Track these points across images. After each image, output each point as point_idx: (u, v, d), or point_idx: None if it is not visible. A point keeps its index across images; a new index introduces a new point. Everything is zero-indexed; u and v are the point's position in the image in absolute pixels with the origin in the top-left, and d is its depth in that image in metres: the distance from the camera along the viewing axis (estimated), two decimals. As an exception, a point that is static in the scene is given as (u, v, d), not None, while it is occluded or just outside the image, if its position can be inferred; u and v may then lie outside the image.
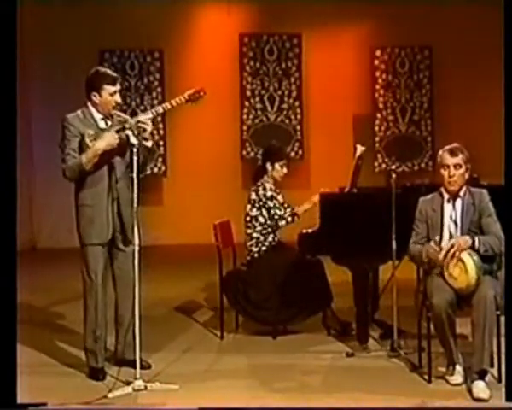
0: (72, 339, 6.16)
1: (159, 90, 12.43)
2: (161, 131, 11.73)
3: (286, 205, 6.45)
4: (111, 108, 5.26)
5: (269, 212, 6.39)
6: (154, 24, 11.97)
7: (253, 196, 6.45)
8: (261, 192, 6.42)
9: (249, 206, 6.46)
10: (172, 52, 12.38)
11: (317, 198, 6.12)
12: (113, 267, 5.41)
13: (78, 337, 5.81)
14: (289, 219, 6.39)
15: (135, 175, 5.04)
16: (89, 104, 5.28)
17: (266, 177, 6.50)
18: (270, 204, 6.39)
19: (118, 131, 5.16)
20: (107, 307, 5.39)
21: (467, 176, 5.15)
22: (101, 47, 12.18)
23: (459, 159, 5.09)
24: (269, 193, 6.41)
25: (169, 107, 5.32)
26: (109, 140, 5.14)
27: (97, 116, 5.27)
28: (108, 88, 5.22)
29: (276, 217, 6.38)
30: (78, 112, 5.28)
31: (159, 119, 11.13)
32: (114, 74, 5.32)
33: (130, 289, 5.20)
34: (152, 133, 5.31)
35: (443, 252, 4.95)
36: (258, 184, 6.48)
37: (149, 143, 5.31)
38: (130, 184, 5.14)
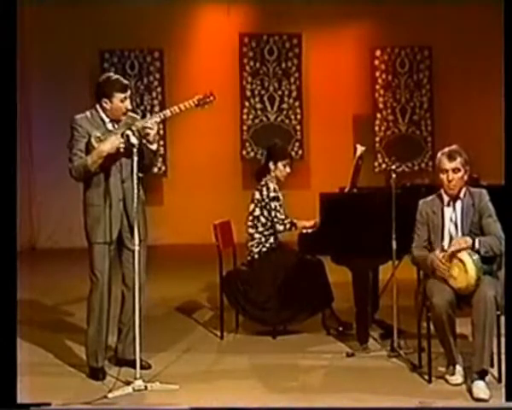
0: (72, 339, 6.16)
1: (159, 90, 12.43)
2: (161, 132, 11.72)
3: (283, 211, 6.43)
4: (121, 113, 5.31)
5: (269, 213, 6.38)
6: (154, 24, 11.97)
7: (257, 195, 6.44)
8: (265, 192, 6.40)
9: (252, 205, 6.45)
10: (172, 52, 12.38)
11: (315, 222, 6.14)
12: (122, 266, 5.44)
13: (78, 337, 5.83)
14: (288, 226, 6.36)
15: (135, 175, 5.06)
16: (98, 107, 5.32)
17: (269, 176, 6.48)
18: (272, 205, 6.37)
19: (123, 135, 5.18)
20: (111, 306, 5.40)
21: (466, 178, 5.13)
22: (101, 47, 12.18)
23: (457, 162, 5.08)
24: (272, 194, 6.39)
25: (177, 111, 5.33)
26: (113, 143, 5.17)
27: (106, 118, 5.31)
28: (119, 95, 5.27)
29: (276, 220, 6.36)
30: (87, 113, 5.33)
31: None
32: (125, 81, 5.37)
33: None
34: (159, 133, 5.32)
35: (444, 261, 4.95)
36: (263, 183, 6.46)
37: (154, 147, 5.34)
38: (136, 183, 5.15)
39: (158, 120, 5.38)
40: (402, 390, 4.93)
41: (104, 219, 5.26)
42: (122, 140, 5.17)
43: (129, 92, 5.35)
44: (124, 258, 5.41)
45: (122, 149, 5.17)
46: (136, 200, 5.08)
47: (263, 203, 6.40)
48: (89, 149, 5.18)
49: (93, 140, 5.16)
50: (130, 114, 5.41)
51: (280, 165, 6.49)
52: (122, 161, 5.28)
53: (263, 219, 6.41)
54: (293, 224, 6.37)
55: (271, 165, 6.50)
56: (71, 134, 5.27)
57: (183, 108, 5.32)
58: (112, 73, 5.62)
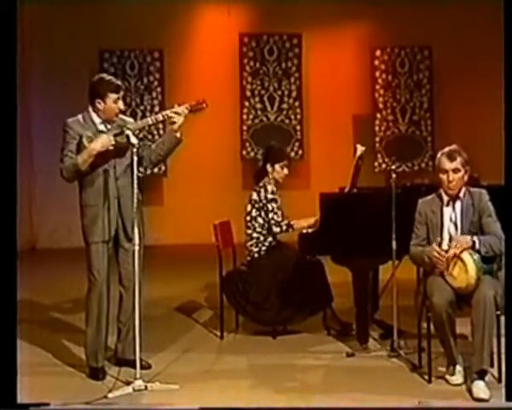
0: (72, 339, 6.16)
1: (158, 90, 12.44)
2: (161, 131, 11.73)
3: (281, 213, 6.42)
4: (114, 114, 5.33)
5: (266, 215, 6.38)
6: (154, 24, 11.98)
7: (255, 196, 6.44)
8: (262, 194, 6.40)
9: (249, 206, 6.45)
10: (172, 52, 12.39)
11: (315, 219, 6.14)
12: (119, 266, 5.45)
13: (78, 337, 5.82)
14: (284, 227, 6.35)
15: (135, 175, 5.07)
16: (90, 109, 5.34)
17: (267, 178, 6.49)
18: (269, 207, 6.37)
19: (116, 135, 5.21)
20: (109, 305, 5.40)
21: (466, 178, 5.13)
22: (101, 47, 12.19)
23: (457, 163, 5.07)
24: (270, 196, 6.39)
25: (170, 115, 5.32)
26: (104, 141, 5.19)
27: (97, 120, 5.33)
28: (112, 96, 5.30)
29: (273, 222, 6.35)
30: (79, 116, 5.35)
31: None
32: (118, 82, 5.40)
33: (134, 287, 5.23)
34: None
35: (443, 254, 4.95)
36: (261, 185, 6.46)
37: (178, 134, 5.38)
38: (134, 182, 5.16)
39: (150, 122, 5.46)
40: (402, 390, 4.93)
41: (101, 217, 5.27)
42: (112, 139, 5.19)
43: (122, 93, 5.37)
44: (120, 258, 5.42)
45: (112, 147, 5.19)
46: (135, 199, 5.09)
47: (260, 204, 6.40)
48: (80, 149, 5.20)
49: (84, 140, 5.19)
50: (121, 116, 5.43)
51: (277, 167, 6.49)
52: (115, 159, 5.29)
53: (260, 220, 6.41)
54: (289, 225, 6.36)
55: (269, 167, 6.50)
56: (63, 137, 5.30)
57: (174, 113, 5.32)
58: (105, 74, 5.64)
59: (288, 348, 6.01)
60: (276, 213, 6.37)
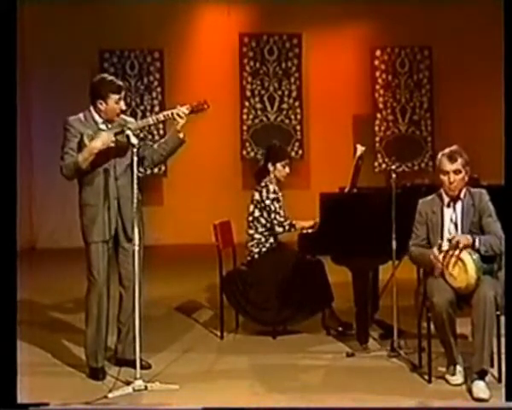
0: (72, 339, 6.16)
1: (158, 90, 12.44)
2: (161, 131, 11.73)
3: (283, 213, 6.41)
4: (115, 114, 5.34)
5: (269, 214, 6.38)
6: (154, 24, 11.98)
7: (257, 196, 6.44)
8: (264, 194, 6.40)
9: (252, 206, 6.44)
10: (172, 52, 12.39)
11: (315, 222, 6.13)
12: (119, 266, 5.45)
13: (78, 337, 5.82)
14: (287, 227, 6.35)
15: (135, 175, 5.07)
16: (91, 109, 5.34)
17: (269, 177, 6.48)
18: (272, 207, 6.36)
19: (116, 134, 5.21)
20: (109, 305, 5.40)
21: (466, 179, 5.13)
22: (101, 47, 12.19)
23: (458, 164, 5.07)
24: (272, 195, 6.38)
25: (170, 116, 5.34)
26: (104, 140, 5.19)
27: (98, 119, 5.33)
28: (114, 96, 5.30)
29: (275, 222, 6.35)
30: (80, 115, 5.35)
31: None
32: (119, 82, 5.39)
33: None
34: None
35: (442, 255, 4.95)
36: (262, 184, 6.45)
37: (181, 135, 5.39)
38: (134, 182, 5.16)
39: (151, 122, 5.46)
40: (402, 390, 4.93)
41: (101, 217, 5.27)
42: (113, 137, 5.19)
43: (123, 93, 5.37)
44: (120, 258, 5.42)
45: (113, 144, 5.19)
46: (135, 199, 5.09)
47: (262, 205, 6.39)
48: (81, 147, 5.20)
49: (85, 138, 5.19)
50: (122, 116, 5.43)
51: (279, 166, 6.49)
52: (115, 158, 5.30)
53: (262, 221, 6.40)
54: (292, 225, 6.36)
55: (270, 166, 6.49)
56: (63, 135, 5.30)
57: (175, 113, 5.33)
58: (106, 74, 5.64)
59: (288, 348, 6.01)
60: (278, 213, 6.36)
